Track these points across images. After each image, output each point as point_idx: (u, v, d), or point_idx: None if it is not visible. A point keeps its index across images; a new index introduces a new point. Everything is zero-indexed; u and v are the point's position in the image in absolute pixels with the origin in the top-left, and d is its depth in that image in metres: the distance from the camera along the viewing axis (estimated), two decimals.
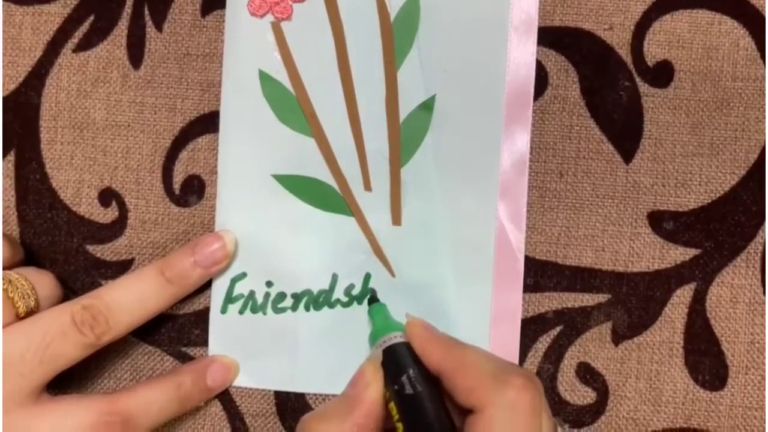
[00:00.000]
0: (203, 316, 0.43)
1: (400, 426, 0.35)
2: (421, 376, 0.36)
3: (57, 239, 0.43)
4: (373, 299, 0.42)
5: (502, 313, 0.42)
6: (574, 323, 0.42)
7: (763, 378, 0.42)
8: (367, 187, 0.42)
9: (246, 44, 0.42)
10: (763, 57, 0.42)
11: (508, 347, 0.42)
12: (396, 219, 0.42)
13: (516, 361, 0.42)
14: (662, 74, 0.42)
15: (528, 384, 0.34)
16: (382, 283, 0.42)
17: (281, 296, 0.42)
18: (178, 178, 0.43)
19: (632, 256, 0.42)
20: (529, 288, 0.42)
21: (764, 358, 0.42)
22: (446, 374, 0.36)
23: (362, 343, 0.41)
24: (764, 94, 0.42)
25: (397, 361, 0.37)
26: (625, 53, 0.42)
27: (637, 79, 0.42)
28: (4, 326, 0.37)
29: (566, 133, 0.42)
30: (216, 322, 0.42)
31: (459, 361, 0.36)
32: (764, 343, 0.42)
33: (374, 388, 0.36)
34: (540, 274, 0.42)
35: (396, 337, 0.38)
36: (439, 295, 0.42)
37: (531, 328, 0.42)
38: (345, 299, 0.42)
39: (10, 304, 0.38)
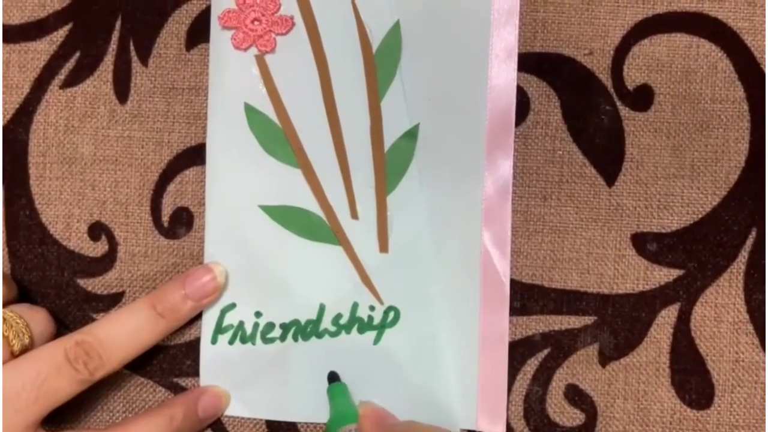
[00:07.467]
0: (194, 346, 0.43)
1: None
2: None
3: (48, 274, 0.43)
4: (333, 378, 0.42)
5: (490, 337, 0.42)
6: (561, 345, 0.43)
7: (749, 396, 0.42)
8: (354, 215, 0.43)
9: (231, 77, 0.43)
10: (740, 78, 0.43)
11: (497, 371, 0.42)
12: (383, 246, 0.43)
13: (505, 384, 0.42)
14: (642, 98, 0.43)
15: None
16: (369, 311, 0.43)
17: (270, 326, 0.43)
18: (166, 211, 0.43)
19: (617, 278, 0.43)
20: (516, 311, 0.43)
21: (749, 376, 0.42)
22: None
23: (351, 372, 0.42)
24: (743, 115, 0.43)
25: None
26: (605, 78, 0.43)
27: (618, 103, 0.43)
28: None
29: (549, 158, 0.43)
30: (206, 352, 0.43)
31: None
32: (749, 362, 0.42)
33: None
34: (527, 298, 0.43)
35: (352, 430, 0.39)
36: (427, 321, 0.42)
37: (519, 351, 0.43)
38: (333, 329, 0.42)
39: (5, 343, 0.38)
